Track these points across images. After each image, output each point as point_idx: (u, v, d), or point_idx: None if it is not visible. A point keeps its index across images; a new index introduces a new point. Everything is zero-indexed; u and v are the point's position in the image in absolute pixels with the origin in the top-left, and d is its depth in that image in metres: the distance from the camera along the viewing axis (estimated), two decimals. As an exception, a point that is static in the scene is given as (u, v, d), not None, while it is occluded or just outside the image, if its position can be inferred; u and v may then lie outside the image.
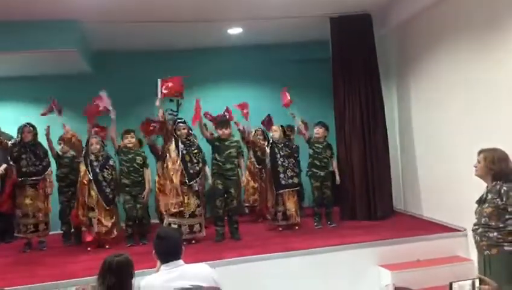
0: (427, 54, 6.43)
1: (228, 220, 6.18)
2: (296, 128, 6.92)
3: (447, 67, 5.98)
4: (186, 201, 5.88)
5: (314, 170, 6.59)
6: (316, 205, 6.65)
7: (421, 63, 6.61)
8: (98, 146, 6.10)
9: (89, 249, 5.99)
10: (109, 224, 6.03)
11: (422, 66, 6.57)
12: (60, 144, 6.59)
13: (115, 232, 6.10)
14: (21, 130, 6.14)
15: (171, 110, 8.40)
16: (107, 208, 6.02)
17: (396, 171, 7.27)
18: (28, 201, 6.05)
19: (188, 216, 5.90)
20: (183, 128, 6.04)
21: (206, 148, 6.44)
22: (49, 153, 6.40)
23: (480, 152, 3.63)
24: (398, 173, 7.36)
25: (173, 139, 6.03)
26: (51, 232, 6.45)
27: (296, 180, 6.49)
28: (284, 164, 6.41)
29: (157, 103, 6.01)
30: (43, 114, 6.31)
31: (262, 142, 6.95)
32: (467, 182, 5.24)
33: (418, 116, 6.84)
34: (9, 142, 6.27)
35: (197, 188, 6.03)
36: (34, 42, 6.20)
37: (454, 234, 5.73)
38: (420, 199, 6.86)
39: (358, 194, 6.88)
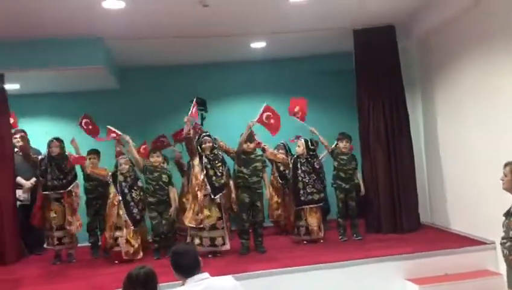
0: (451, 64, 6.37)
1: (253, 233, 6.19)
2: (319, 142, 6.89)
3: (472, 76, 5.91)
4: (207, 213, 5.91)
5: (339, 182, 6.56)
6: (340, 217, 6.61)
7: (446, 73, 6.55)
8: (127, 166, 6.20)
9: (116, 261, 6.07)
10: (136, 244, 6.10)
11: (447, 75, 6.51)
12: (89, 158, 6.71)
13: (141, 254, 6.17)
14: (49, 144, 6.30)
15: (196, 123, 8.54)
16: (134, 228, 6.10)
17: (422, 183, 7.18)
18: (52, 214, 6.16)
19: (208, 229, 5.92)
20: (208, 142, 6.09)
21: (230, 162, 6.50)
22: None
23: (506, 165, 3.59)
24: (424, 185, 7.27)
25: (197, 153, 6.09)
26: (80, 245, 6.56)
27: (316, 196, 6.43)
28: (304, 179, 6.40)
29: (186, 119, 6.07)
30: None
31: (283, 156, 6.91)
32: (495, 194, 5.16)
33: (443, 126, 6.76)
34: (39, 157, 6.42)
35: (219, 201, 6.04)
36: (63, 59, 6.39)
37: (483, 247, 5.62)
38: (447, 211, 6.75)
39: (383, 206, 6.82)
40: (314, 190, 6.42)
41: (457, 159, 6.40)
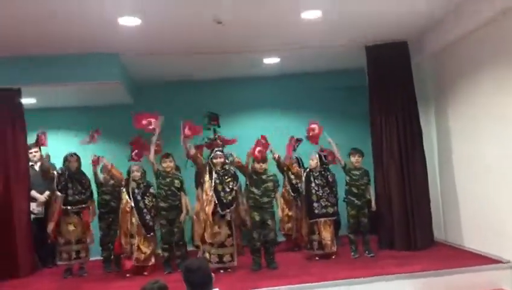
0: (465, 79, 6.35)
1: (265, 251, 6.16)
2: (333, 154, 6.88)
3: (486, 92, 5.88)
4: (216, 230, 5.90)
5: (351, 198, 6.53)
6: (351, 233, 6.56)
7: (459, 89, 6.52)
8: (139, 173, 6.25)
9: (127, 275, 6.09)
10: (148, 251, 6.14)
11: (461, 91, 6.48)
12: (103, 173, 6.78)
13: (153, 260, 6.20)
14: (66, 159, 6.37)
15: (208, 138, 8.59)
16: (147, 235, 6.13)
17: (435, 199, 7.11)
18: (71, 228, 6.23)
19: (217, 245, 5.91)
20: (220, 157, 6.11)
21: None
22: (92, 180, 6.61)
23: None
24: (438, 201, 7.20)
25: (208, 168, 6.12)
26: (91, 258, 6.61)
27: (330, 210, 6.42)
28: (318, 193, 6.39)
29: (182, 143, 6.15)
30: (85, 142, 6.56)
31: (298, 168, 6.95)
32: (510, 212, 5.10)
33: (457, 142, 6.71)
34: (55, 172, 6.50)
35: (229, 218, 6.03)
36: (79, 75, 6.51)
37: (498, 266, 5.53)
38: (461, 228, 6.67)
39: (396, 222, 6.76)
40: (328, 203, 6.41)
41: (471, 175, 6.34)
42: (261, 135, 6.40)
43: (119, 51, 6.53)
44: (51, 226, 6.27)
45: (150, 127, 6.31)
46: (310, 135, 6.86)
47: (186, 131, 6.23)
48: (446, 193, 7.07)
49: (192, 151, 6.30)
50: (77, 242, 6.30)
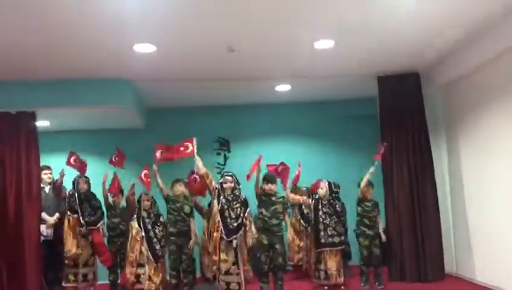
0: (477, 111, 6.35)
1: (273, 277, 6.09)
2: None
3: (497, 123, 5.87)
4: (223, 257, 5.81)
5: (363, 229, 6.48)
6: (363, 264, 6.48)
7: (471, 120, 6.52)
8: (149, 203, 6.27)
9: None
10: (158, 281, 6.11)
11: (473, 122, 6.48)
12: (112, 196, 6.80)
13: (161, 289, 6.17)
14: (76, 181, 6.41)
15: (218, 163, 8.61)
16: (155, 264, 6.10)
17: (447, 231, 7.03)
18: (79, 251, 6.22)
19: (223, 273, 5.84)
20: (230, 182, 6.07)
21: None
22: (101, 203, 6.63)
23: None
24: (449, 233, 7.12)
25: (216, 192, 6.08)
26: (99, 282, 6.56)
27: (337, 239, 6.32)
28: (325, 221, 6.33)
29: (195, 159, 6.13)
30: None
31: (304, 198, 6.86)
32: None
33: (469, 173, 6.68)
34: (66, 193, 6.53)
35: (235, 245, 5.94)
36: (93, 99, 6.59)
37: (511, 301, 5.45)
38: (473, 261, 6.57)
39: (407, 254, 6.69)
40: (335, 233, 6.33)
41: (483, 207, 6.28)
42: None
43: (132, 77, 6.63)
44: (67, 247, 6.24)
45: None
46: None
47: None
48: (457, 224, 7.00)
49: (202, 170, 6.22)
50: (84, 265, 6.28)
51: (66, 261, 6.26)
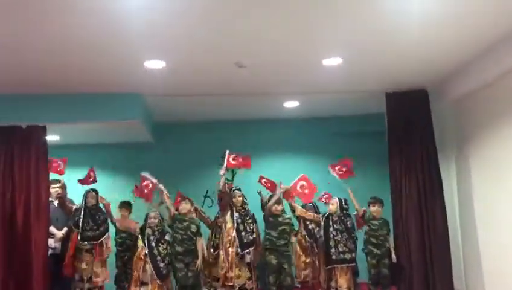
0: (487, 127, 6.30)
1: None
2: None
3: (509, 140, 5.81)
4: (237, 273, 5.84)
5: (370, 248, 6.44)
6: (372, 284, 6.42)
7: (481, 136, 6.46)
8: (156, 220, 6.28)
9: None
10: None
11: (483, 139, 6.41)
12: (119, 211, 6.82)
13: None
14: (85, 195, 6.45)
15: (227, 179, 8.63)
16: (160, 282, 6.07)
17: (456, 249, 6.95)
18: (83, 265, 6.23)
19: (237, 289, 5.83)
20: (239, 196, 6.13)
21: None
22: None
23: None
24: (459, 252, 7.03)
25: (229, 208, 6.11)
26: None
27: (348, 256, 6.31)
28: (336, 238, 6.30)
29: (222, 172, 6.17)
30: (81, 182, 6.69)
31: (314, 214, 6.86)
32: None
33: (479, 190, 6.60)
34: (73, 207, 6.57)
35: (249, 260, 5.98)
36: (103, 114, 6.66)
37: (522, 322, 5.35)
38: (483, 279, 6.47)
39: (416, 273, 6.61)
40: (346, 249, 6.31)
41: (493, 224, 6.20)
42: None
43: (142, 92, 6.68)
44: (66, 260, 6.26)
45: (150, 188, 6.47)
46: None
47: (232, 160, 6.27)
48: (467, 243, 6.92)
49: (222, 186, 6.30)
50: (89, 280, 6.27)
51: (76, 275, 6.26)
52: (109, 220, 6.63)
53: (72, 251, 6.35)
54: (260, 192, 6.87)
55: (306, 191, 6.15)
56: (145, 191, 6.41)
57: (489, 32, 5.15)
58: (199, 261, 6.26)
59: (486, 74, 5.91)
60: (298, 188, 6.11)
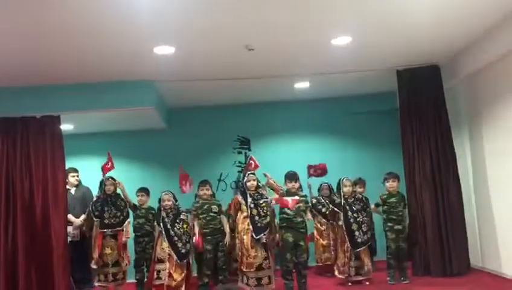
0: (500, 102, 6.25)
1: (297, 274, 6.12)
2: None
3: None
4: (254, 253, 5.92)
5: (390, 224, 6.45)
6: (391, 258, 6.44)
7: (494, 111, 6.41)
8: (170, 203, 6.37)
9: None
10: (179, 278, 6.16)
11: (496, 114, 6.37)
12: (138, 195, 6.92)
13: (183, 288, 6.21)
14: (103, 183, 6.54)
15: (239, 162, 8.69)
16: (180, 262, 6.18)
17: (472, 225, 6.95)
18: (108, 251, 6.34)
19: (254, 269, 5.92)
20: (253, 180, 6.17)
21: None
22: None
23: None
24: (474, 227, 7.03)
25: (241, 192, 6.19)
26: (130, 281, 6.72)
27: (369, 233, 6.39)
28: (358, 219, 6.32)
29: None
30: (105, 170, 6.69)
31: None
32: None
33: (493, 165, 6.57)
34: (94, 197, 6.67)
35: (264, 241, 6.04)
36: (116, 101, 6.70)
37: (540, 294, 5.36)
38: (499, 254, 6.48)
39: (431, 248, 6.63)
40: (368, 228, 6.37)
41: (508, 199, 6.18)
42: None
43: (153, 78, 6.71)
44: (95, 254, 6.36)
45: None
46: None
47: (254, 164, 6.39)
48: (482, 217, 6.91)
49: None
50: (114, 265, 6.40)
51: (94, 265, 6.39)
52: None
53: (99, 242, 6.41)
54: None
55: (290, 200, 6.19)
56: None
57: (501, 6, 5.09)
58: (227, 238, 6.49)
59: (498, 49, 5.85)
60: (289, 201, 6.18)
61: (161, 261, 6.26)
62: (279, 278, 6.17)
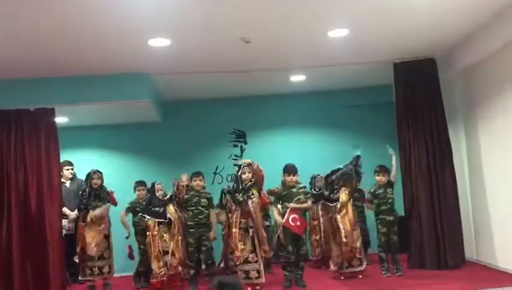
0: (496, 96, 6.25)
1: (295, 266, 6.13)
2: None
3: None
4: (241, 247, 5.94)
5: (382, 216, 6.46)
6: (382, 251, 6.47)
7: (490, 105, 6.42)
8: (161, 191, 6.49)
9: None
10: (179, 256, 6.23)
11: (492, 107, 6.38)
12: (137, 189, 6.90)
13: (180, 268, 6.30)
14: (90, 176, 6.50)
15: (235, 155, 8.68)
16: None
17: (467, 218, 6.98)
18: (92, 242, 6.30)
19: (242, 261, 5.93)
20: (248, 172, 6.17)
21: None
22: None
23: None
24: (469, 220, 7.07)
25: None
26: (122, 274, 6.72)
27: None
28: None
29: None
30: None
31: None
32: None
33: (488, 158, 6.59)
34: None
35: (251, 234, 6.02)
36: (110, 94, 6.66)
37: (534, 287, 5.39)
38: (494, 247, 6.52)
39: (426, 241, 6.66)
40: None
41: (503, 192, 6.21)
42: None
43: (149, 71, 6.67)
44: (78, 248, 6.36)
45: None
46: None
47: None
48: (477, 210, 6.94)
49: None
50: (99, 258, 6.37)
51: (76, 259, 6.37)
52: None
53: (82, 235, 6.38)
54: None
55: (298, 223, 6.11)
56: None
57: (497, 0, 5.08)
58: (212, 234, 6.49)
59: (494, 42, 5.84)
60: (290, 221, 6.08)
61: (166, 253, 6.22)
62: (279, 270, 6.18)
